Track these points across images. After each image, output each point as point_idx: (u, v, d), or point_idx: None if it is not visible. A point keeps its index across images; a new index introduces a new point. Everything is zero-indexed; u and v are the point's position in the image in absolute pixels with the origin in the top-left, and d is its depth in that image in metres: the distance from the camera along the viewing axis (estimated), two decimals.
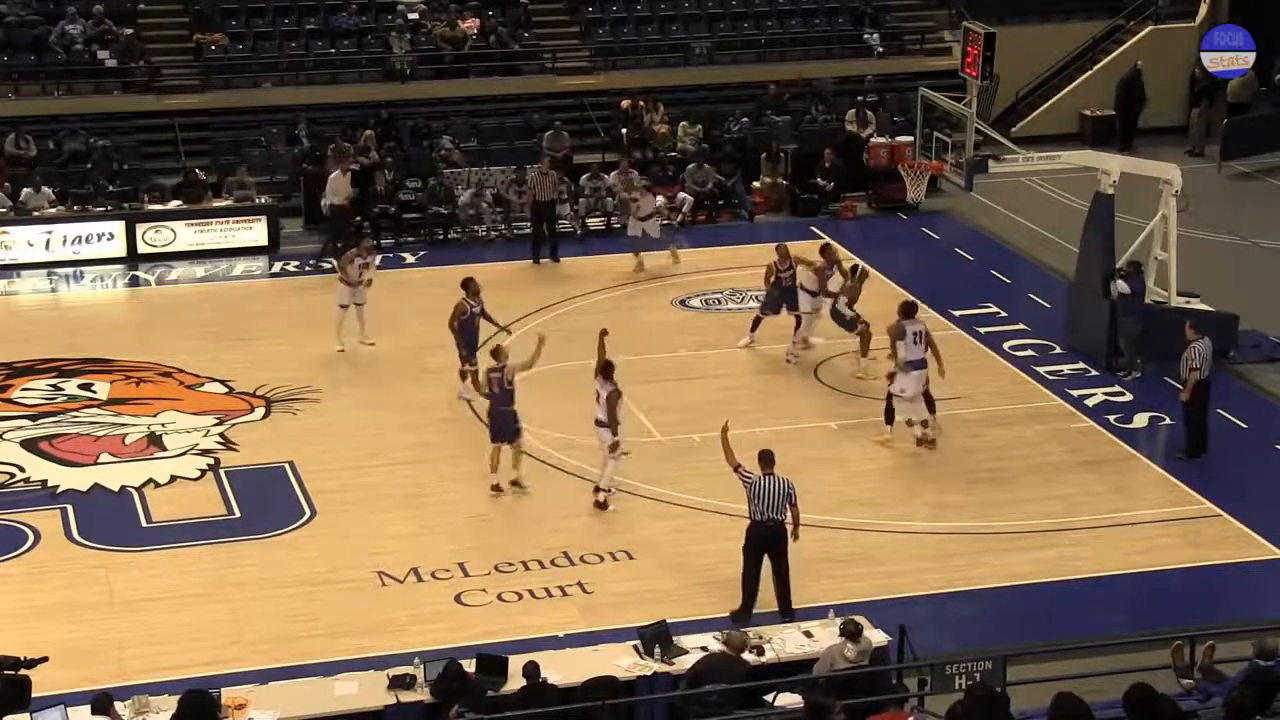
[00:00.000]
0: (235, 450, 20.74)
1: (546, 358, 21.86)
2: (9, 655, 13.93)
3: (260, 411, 21.94)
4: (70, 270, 27.31)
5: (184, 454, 20.61)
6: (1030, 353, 23.85)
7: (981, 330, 24.65)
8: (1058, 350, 23.82)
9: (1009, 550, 18.44)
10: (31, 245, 27.41)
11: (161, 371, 23.12)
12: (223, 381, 22.75)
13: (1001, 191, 29.37)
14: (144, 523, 18.98)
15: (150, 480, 19.87)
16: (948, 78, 30.15)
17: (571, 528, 18.67)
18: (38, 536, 18.52)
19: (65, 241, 27.48)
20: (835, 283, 23.08)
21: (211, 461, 20.41)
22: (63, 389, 22.49)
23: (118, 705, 13.67)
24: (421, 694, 14.30)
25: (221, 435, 21.15)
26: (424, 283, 26.10)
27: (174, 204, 28.48)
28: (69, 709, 13.65)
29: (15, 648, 14.31)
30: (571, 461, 20.22)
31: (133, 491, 19.60)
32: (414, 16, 33.23)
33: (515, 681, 14.26)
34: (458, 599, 17.23)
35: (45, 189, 28.12)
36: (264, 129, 31.00)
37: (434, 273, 26.95)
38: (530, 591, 17.41)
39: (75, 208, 28.10)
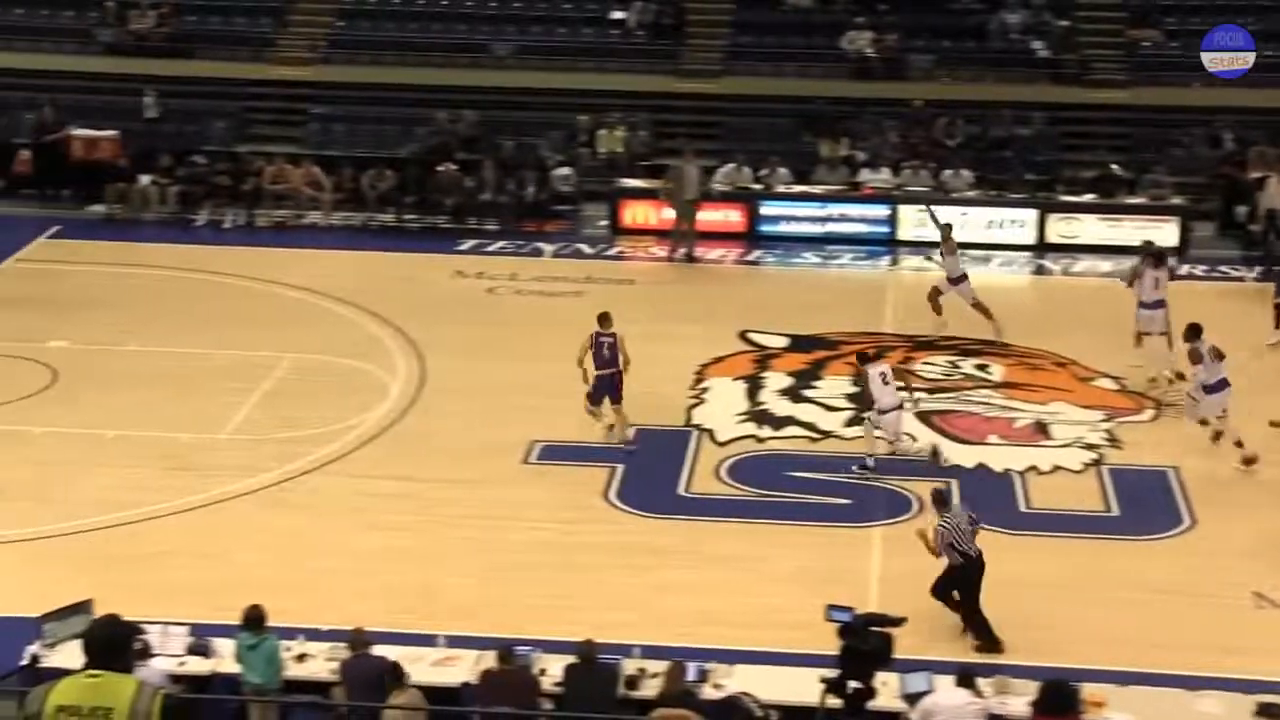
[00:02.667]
0: (1120, 449, 20.65)
1: None
2: (878, 612, 14.70)
3: (1150, 412, 21.71)
4: (980, 253, 28.20)
5: (1069, 445, 20.77)
6: None
7: None
8: None
9: None
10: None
11: (1056, 361, 23.40)
12: (1115, 378, 22.69)
13: None
14: (1022, 507, 19.37)
15: (1032, 467, 20.19)
16: None
17: None
18: (920, 505, 19.39)
19: (980, 225, 28.45)
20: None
21: (1096, 457, 20.44)
22: (960, 367, 23.33)
23: (979, 681, 14.09)
24: None
25: (1109, 432, 21.12)
26: None
27: (1087, 197, 28.69)
28: (933, 676, 14.17)
29: (886, 605, 15.05)
30: None
31: (1014, 475, 20.02)
32: None
33: None
34: None
35: (964, 172, 29.23)
36: (1186, 129, 30.44)
37: None
38: None
39: (991, 193, 29.03)
